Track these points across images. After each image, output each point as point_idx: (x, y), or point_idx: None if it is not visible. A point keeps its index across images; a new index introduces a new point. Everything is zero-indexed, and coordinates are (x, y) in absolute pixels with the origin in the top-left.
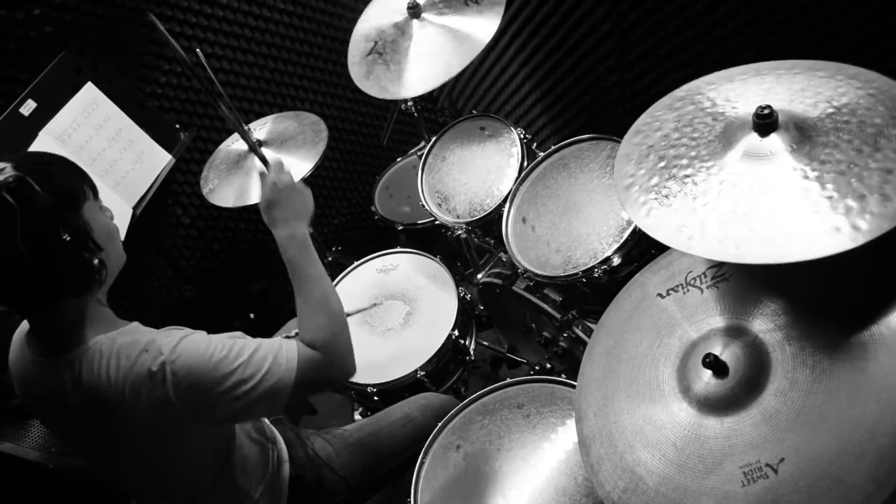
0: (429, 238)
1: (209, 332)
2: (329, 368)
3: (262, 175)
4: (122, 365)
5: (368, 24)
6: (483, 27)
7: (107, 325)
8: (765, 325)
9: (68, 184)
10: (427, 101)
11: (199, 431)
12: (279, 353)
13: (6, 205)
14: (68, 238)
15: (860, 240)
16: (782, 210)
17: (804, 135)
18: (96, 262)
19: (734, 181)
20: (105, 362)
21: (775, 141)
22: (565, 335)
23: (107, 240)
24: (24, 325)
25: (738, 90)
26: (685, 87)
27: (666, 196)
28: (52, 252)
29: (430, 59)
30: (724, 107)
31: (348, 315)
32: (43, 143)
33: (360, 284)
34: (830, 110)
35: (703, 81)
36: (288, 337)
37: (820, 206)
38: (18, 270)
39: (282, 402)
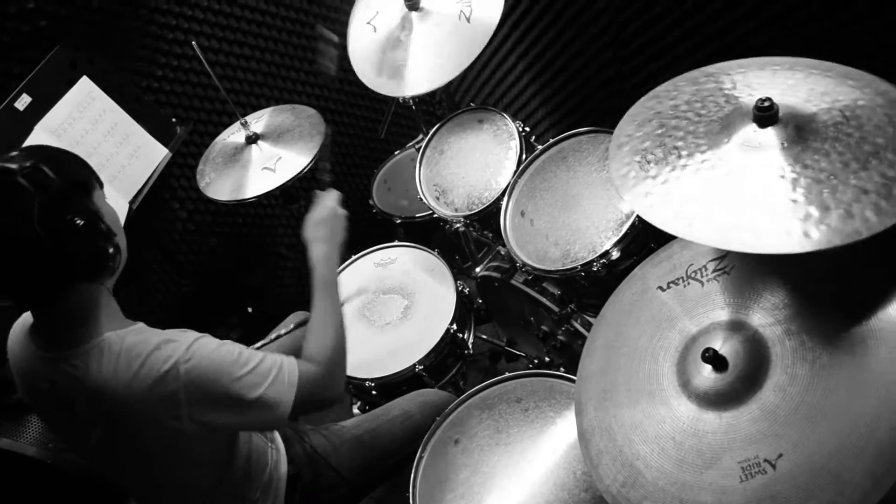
0: (427, 231)
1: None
2: (326, 387)
3: (319, 193)
4: (132, 362)
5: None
6: (487, 7)
7: (115, 321)
8: (765, 319)
9: (79, 172)
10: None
11: (200, 434)
12: (282, 368)
13: (23, 189)
14: (81, 223)
15: (806, 247)
16: (746, 201)
17: (800, 136)
18: (111, 249)
19: (716, 163)
20: (114, 359)
21: (769, 135)
22: (564, 329)
23: (116, 227)
24: (26, 318)
25: (764, 79)
26: (718, 64)
27: (648, 161)
28: (67, 235)
29: (431, 55)
30: (742, 92)
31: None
32: (38, 137)
33: (358, 278)
34: (839, 119)
35: (736, 63)
36: (282, 335)
37: (782, 206)
38: (36, 253)
39: (278, 417)
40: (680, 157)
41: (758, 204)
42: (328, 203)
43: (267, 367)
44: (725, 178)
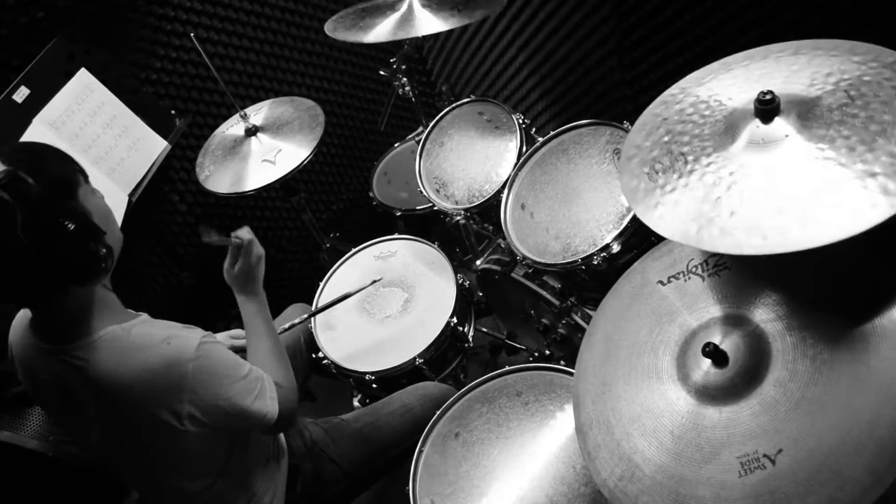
0: (427, 224)
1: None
2: (292, 401)
3: (235, 254)
4: (137, 355)
5: None
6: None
7: (117, 314)
8: (766, 314)
9: (60, 171)
10: (425, 85)
11: (201, 430)
12: (267, 380)
13: (2, 201)
14: (72, 227)
15: (813, 244)
16: (749, 201)
17: (803, 125)
18: (103, 250)
19: (723, 164)
20: (118, 352)
21: (773, 128)
22: (564, 322)
23: (106, 222)
24: (27, 310)
25: (768, 68)
26: (723, 59)
27: (656, 171)
28: (56, 242)
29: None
30: (744, 87)
31: (350, 295)
32: (37, 130)
33: (358, 271)
34: (844, 101)
35: (743, 55)
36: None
37: (786, 204)
38: (24, 264)
39: (267, 422)
40: (687, 162)
41: (761, 203)
42: (247, 263)
43: (255, 377)
44: (730, 180)
